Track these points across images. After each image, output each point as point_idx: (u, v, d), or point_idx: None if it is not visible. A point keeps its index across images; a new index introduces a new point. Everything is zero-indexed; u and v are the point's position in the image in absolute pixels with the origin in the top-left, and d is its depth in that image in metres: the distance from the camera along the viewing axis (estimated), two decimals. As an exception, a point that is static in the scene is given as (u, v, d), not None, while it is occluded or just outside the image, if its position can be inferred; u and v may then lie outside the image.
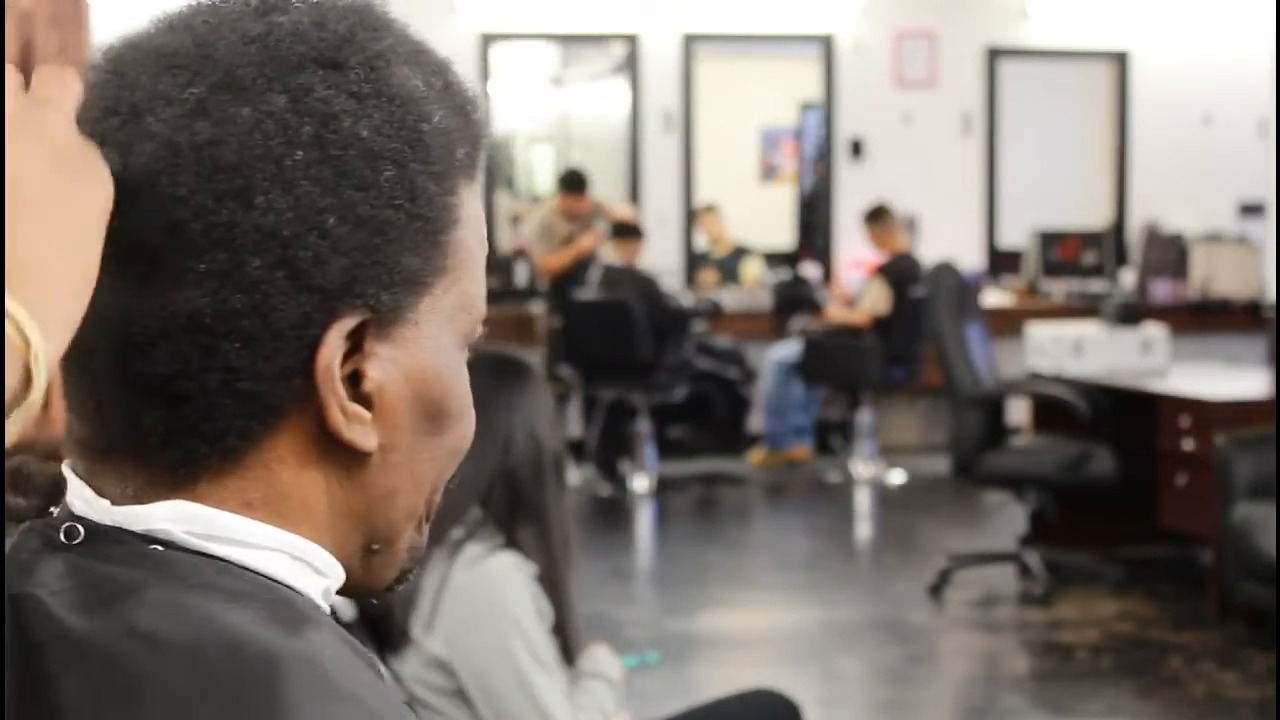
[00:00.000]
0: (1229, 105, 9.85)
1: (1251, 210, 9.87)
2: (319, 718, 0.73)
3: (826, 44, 9.64)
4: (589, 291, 8.23)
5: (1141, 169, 9.99)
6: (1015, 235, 9.82)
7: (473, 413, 0.88)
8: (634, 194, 9.56)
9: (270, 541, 0.81)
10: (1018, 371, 7.15)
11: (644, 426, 8.22)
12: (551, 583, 2.48)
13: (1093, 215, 10.11)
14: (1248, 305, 9.24)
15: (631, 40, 9.54)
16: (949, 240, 9.24)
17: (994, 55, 9.77)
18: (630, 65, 9.59)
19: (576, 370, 8.23)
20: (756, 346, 8.92)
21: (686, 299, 8.86)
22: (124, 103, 0.80)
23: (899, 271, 8.31)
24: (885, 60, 9.65)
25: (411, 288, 0.81)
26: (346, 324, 0.79)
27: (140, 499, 0.80)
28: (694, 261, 9.73)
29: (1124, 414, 6.21)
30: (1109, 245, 9.78)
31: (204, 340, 0.78)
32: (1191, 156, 9.87)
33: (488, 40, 9.36)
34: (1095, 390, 6.31)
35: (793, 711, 2.84)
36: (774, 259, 10.28)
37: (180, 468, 0.80)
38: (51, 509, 0.84)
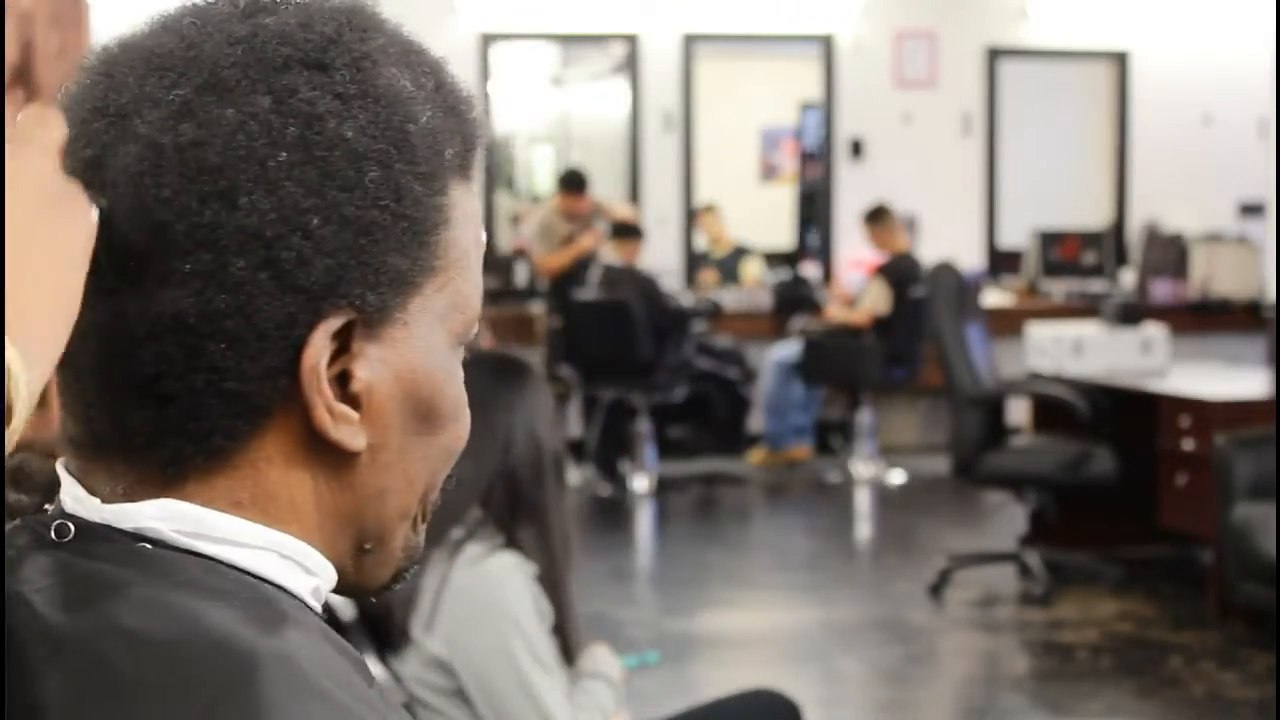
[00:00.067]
0: (1229, 105, 9.85)
1: (1251, 210, 9.87)
2: (295, 716, 0.73)
3: (826, 44, 9.64)
4: (589, 291, 8.23)
5: (1141, 169, 9.99)
6: (1015, 235, 9.82)
7: (468, 412, 0.88)
8: (634, 194, 9.56)
9: (258, 540, 0.81)
10: (1018, 371, 7.15)
11: (644, 426, 8.22)
12: (551, 583, 2.48)
13: (1093, 215, 10.11)
14: (1248, 305, 9.24)
15: (631, 40, 9.54)
16: (949, 240, 9.24)
17: (994, 55, 9.77)
18: (630, 65, 9.59)
19: (576, 370, 8.23)
20: (756, 346, 8.92)
21: (686, 299, 8.86)
22: (111, 104, 0.80)
23: (899, 271, 8.31)
24: (885, 60, 9.65)
25: (399, 288, 0.81)
26: (332, 324, 0.79)
27: (130, 497, 0.81)
28: (694, 261, 9.74)
29: (1124, 414, 6.21)
30: (1109, 245, 9.78)
31: (189, 341, 0.78)
32: (1191, 156, 9.87)
33: (488, 40, 9.36)
34: (1095, 390, 6.31)
35: (793, 711, 2.83)
36: (774, 259, 10.28)
37: (168, 467, 0.80)
38: (47, 506, 0.85)
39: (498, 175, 10.80)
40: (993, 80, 9.78)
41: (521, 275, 9.40)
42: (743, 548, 7.45)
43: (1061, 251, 9.66)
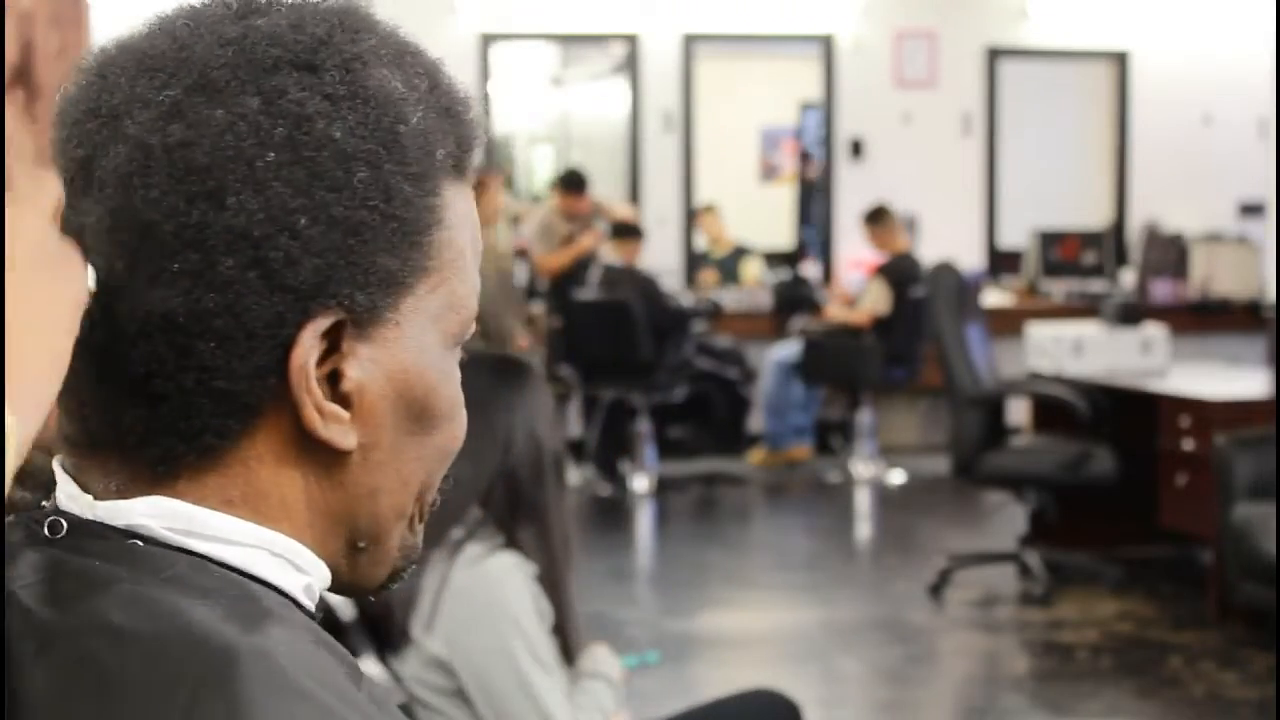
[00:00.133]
0: (1229, 105, 9.85)
1: (1251, 210, 9.87)
2: (275, 713, 0.73)
3: (826, 44, 9.64)
4: (589, 291, 8.23)
5: (1141, 169, 9.99)
6: (1015, 235, 9.82)
7: (464, 413, 0.88)
8: (634, 194, 9.57)
9: (249, 538, 0.82)
10: (1018, 371, 7.15)
11: (644, 426, 8.22)
12: (551, 583, 2.48)
13: (1093, 215, 10.11)
14: (1248, 305, 9.23)
15: (631, 40, 9.54)
16: (949, 240, 9.24)
17: (994, 55, 9.77)
18: (630, 65, 9.59)
19: (576, 370, 8.23)
20: (756, 346, 8.92)
21: (686, 299, 8.86)
22: (104, 105, 0.81)
23: (899, 271, 8.31)
24: (885, 60, 9.65)
25: (389, 288, 0.82)
26: (321, 324, 0.79)
27: (123, 494, 0.81)
28: (694, 261, 9.74)
29: (1124, 414, 6.20)
30: (1109, 245, 9.78)
31: (179, 340, 0.79)
32: (1191, 156, 9.87)
33: (488, 40, 9.36)
34: (1095, 390, 6.31)
35: (793, 711, 2.83)
36: (774, 259, 10.28)
37: (160, 465, 0.81)
38: (44, 503, 0.85)
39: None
40: (993, 80, 9.78)
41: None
42: (743, 548, 7.45)
43: (1061, 251, 9.66)
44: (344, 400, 0.82)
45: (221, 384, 0.79)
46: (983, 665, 5.49)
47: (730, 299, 9.27)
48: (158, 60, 0.81)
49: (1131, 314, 6.87)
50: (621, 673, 2.64)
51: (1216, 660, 5.19)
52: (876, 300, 8.36)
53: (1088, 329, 6.89)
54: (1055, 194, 10.14)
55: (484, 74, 9.34)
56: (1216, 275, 9.32)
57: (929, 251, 8.49)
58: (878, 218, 8.42)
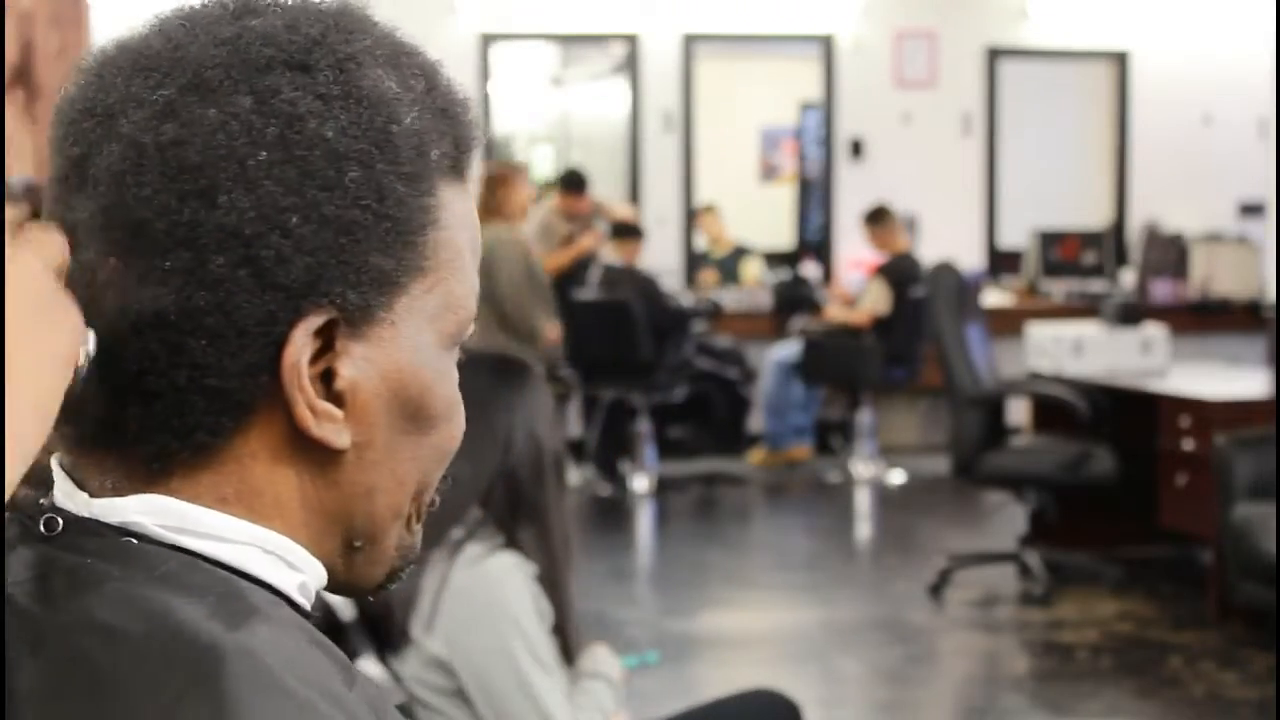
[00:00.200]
0: (1229, 105, 9.85)
1: (1251, 210, 9.87)
2: (259, 712, 0.73)
3: (826, 44, 9.64)
4: (589, 291, 8.23)
5: (1141, 169, 9.99)
6: (1015, 235, 9.82)
7: (461, 413, 0.88)
8: (634, 194, 9.57)
9: (241, 536, 0.82)
10: (1018, 371, 7.15)
11: (644, 426, 8.23)
12: (551, 583, 2.48)
13: (1093, 215, 10.11)
14: (1248, 305, 9.24)
15: (631, 40, 9.54)
16: (949, 240, 9.24)
17: (994, 55, 9.77)
18: (630, 65, 9.59)
19: (576, 370, 8.23)
20: (756, 346, 8.92)
21: (686, 299, 8.86)
22: (99, 104, 0.81)
23: (899, 271, 8.32)
24: (885, 60, 9.65)
25: (383, 287, 0.82)
26: (313, 322, 0.80)
27: (118, 492, 0.82)
28: (694, 261, 9.74)
29: (1124, 414, 6.21)
30: (1109, 245, 9.78)
31: (171, 338, 0.79)
32: (1191, 156, 9.87)
33: (488, 40, 9.36)
34: (1095, 390, 6.31)
35: (793, 711, 2.83)
36: (774, 259, 10.28)
37: (154, 462, 0.81)
38: (42, 500, 0.86)
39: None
40: (993, 80, 9.78)
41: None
42: (743, 548, 7.45)
43: (1061, 251, 9.66)
44: (338, 399, 0.82)
45: (213, 381, 0.79)
46: (983, 665, 5.49)
47: (730, 299, 9.27)
48: (153, 60, 0.81)
49: (1131, 314, 6.87)
50: (621, 673, 2.64)
51: (1216, 660, 5.19)
52: (876, 300, 8.36)
53: (1088, 329, 6.89)
54: (1055, 194, 10.14)
55: (484, 74, 9.34)
56: (1216, 275, 9.32)
57: (929, 251, 8.49)
58: (878, 218, 8.42)
